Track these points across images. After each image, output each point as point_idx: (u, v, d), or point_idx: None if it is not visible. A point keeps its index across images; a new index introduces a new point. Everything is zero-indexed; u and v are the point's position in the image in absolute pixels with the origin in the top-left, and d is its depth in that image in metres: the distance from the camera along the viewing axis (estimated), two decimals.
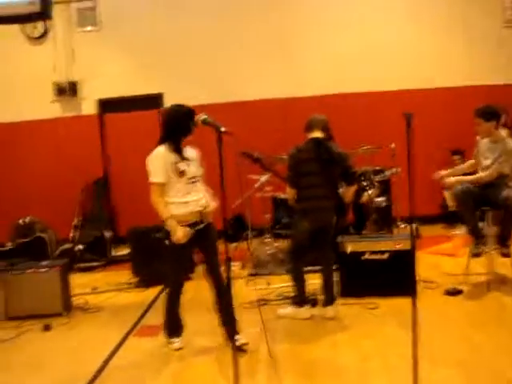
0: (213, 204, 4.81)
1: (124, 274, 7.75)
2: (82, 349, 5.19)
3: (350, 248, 6.10)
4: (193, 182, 4.71)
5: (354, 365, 4.35)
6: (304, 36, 10.04)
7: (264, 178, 7.58)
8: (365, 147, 7.97)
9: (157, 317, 5.95)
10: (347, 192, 5.70)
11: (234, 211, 8.25)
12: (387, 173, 8.25)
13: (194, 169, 4.75)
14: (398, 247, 6.00)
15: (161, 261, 7.20)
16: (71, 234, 9.40)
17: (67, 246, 8.87)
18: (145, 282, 7.30)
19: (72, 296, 6.53)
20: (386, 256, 6.03)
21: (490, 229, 6.11)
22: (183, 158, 4.70)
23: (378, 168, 8.25)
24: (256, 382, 4.14)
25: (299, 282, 5.59)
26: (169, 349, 4.92)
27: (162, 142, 4.77)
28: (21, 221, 9.11)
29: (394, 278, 5.91)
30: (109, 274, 8.27)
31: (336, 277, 5.88)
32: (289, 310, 5.63)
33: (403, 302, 5.51)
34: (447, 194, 9.30)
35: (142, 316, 6.08)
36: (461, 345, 4.61)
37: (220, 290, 4.79)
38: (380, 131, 9.42)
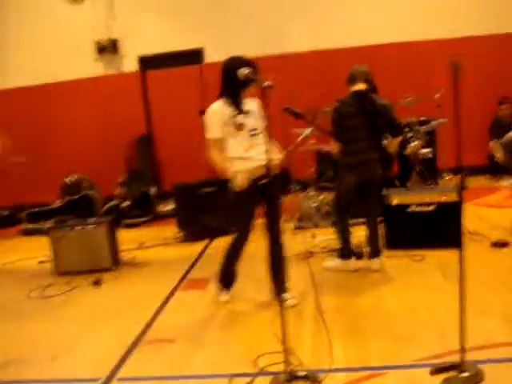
0: (277, 156, 4.61)
1: (170, 229, 7.87)
2: (132, 303, 5.30)
3: (395, 200, 6.05)
4: (253, 135, 4.52)
5: (400, 316, 4.36)
6: None
7: (307, 131, 7.52)
8: (409, 98, 7.83)
9: (203, 270, 6.09)
10: (392, 143, 5.63)
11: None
12: (433, 123, 8.11)
13: (253, 121, 4.56)
14: (443, 199, 5.93)
15: (206, 215, 7.39)
16: (117, 191, 9.53)
17: (114, 202, 9.02)
18: (190, 236, 7.41)
19: (120, 251, 6.66)
20: (431, 208, 5.97)
21: None
22: (242, 111, 4.55)
23: (423, 118, 8.11)
24: (304, 334, 4.17)
25: (345, 234, 5.59)
26: (217, 299, 5.00)
27: (220, 95, 4.65)
28: (68, 179, 9.29)
29: (440, 230, 5.85)
30: (155, 229, 8.41)
31: (381, 229, 5.86)
32: (335, 262, 5.65)
33: (449, 254, 5.51)
34: (494, 145, 9.14)
35: (189, 270, 6.18)
36: (506, 297, 4.56)
37: (275, 247, 4.75)
38: (425, 81, 9.26)
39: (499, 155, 8.81)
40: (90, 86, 10.30)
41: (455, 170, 8.69)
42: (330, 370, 3.53)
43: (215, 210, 7.45)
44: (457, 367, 3.32)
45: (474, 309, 3.82)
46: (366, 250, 5.68)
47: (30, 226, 9.01)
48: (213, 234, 7.44)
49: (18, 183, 9.59)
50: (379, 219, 5.78)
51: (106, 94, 10.30)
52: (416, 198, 6.04)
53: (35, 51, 10.32)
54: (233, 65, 4.46)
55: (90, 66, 10.24)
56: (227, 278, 4.98)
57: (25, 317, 5.19)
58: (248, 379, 3.55)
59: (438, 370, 3.39)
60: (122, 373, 3.86)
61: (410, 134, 7.59)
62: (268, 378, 3.52)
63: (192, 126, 10.08)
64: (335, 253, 5.81)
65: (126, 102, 10.24)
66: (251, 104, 4.61)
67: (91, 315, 5.07)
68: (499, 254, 5.67)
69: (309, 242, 6.49)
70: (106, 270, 6.23)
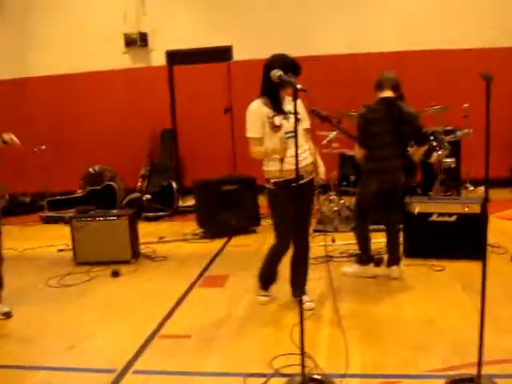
0: (322, 169, 4.70)
1: (189, 225, 7.90)
2: (150, 296, 5.33)
3: (417, 209, 6.03)
4: (289, 137, 4.35)
5: (417, 325, 4.35)
6: None
7: (332, 134, 7.53)
8: (436, 107, 7.81)
9: (222, 268, 6.12)
10: (417, 152, 5.61)
11: None
12: (458, 133, 8.08)
13: (292, 123, 4.30)
14: (466, 210, 5.90)
15: (226, 212, 7.41)
16: (139, 184, 9.59)
17: (135, 195, 9.08)
18: (210, 233, 7.42)
19: (140, 244, 6.70)
20: (453, 218, 5.94)
21: None
22: (281, 112, 4.48)
23: (448, 128, 8.08)
24: (320, 338, 4.18)
25: (364, 240, 5.58)
26: (257, 299, 4.98)
27: (260, 94, 4.57)
28: (91, 169, 9.37)
29: (461, 241, 5.83)
30: (174, 224, 8.44)
31: (401, 237, 5.84)
32: (354, 268, 5.64)
33: (469, 266, 5.52)
34: None
35: (207, 267, 6.20)
36: None
37: (301, 251, 4.73)
38: (452, 90, 9.21)
39: None
40: (117, 78, 10.36)
41: (478, 182, 8.66)
42: (344, 375, 3.54)
43: (235, 208, 7.48)
44: (472, 381, 3.31)
45: (492, 323, 3.80)
46: (386, 257, 5.68)
47: (50, 213, 9.09)
48: (232, 231, 7.47)
49: (41, 171, 9.66)
50: (400, 227, 5.76)
51: (132, 87, 10.36)
52: (438, 208, 6.01)
53: (64, 40, 10.41)
54: (271, 64, 4.38)
55: (118, 59, 10.30)
56: (266, 280, 4.96)
57: (43, 304, 5.23)
58: (263, 380, 3.57)
59: (453, 382, 3.37)
60: (137, 365, 3.89)
61: (434, 143, 7.56)
62: (283, 380, 3.54)
63: (216, 124, 10.14)
64: (354, 258, 5.80)
65: (152, 96, 10.28)
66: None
67: (109, 306, 5.11)
68: None
69: (328, 245, 6.49)
70: (125, 262, 6.27)
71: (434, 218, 6.01)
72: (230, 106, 10.10)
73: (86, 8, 10.35)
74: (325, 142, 7.54)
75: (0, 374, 3.89)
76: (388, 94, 5.34)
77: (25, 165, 10.09)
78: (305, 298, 4.70)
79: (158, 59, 10.41)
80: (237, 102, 9.93)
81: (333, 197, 7.84)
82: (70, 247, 6.52)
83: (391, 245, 5.58)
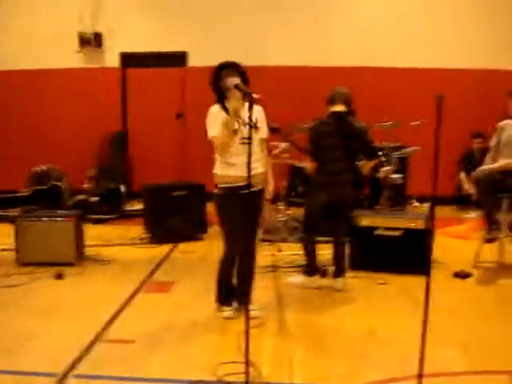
0: (271, 183, 4.76)
1: (136, 229, 7.83)
2: (93, 299, 5.27)
3: (363, 222, 6.13)
4: (243, 143, 4.30)
5: (360, 337, 4.41)
6: (334, 7, 9.96)
7: (283, 145, 7.58)
8: (387, 123, 7.95)
9: (167, 274, 6.09)
10: (366, 166, 5.71)
11: None
12: (406, 150, 8.24)
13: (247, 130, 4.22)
14: (411, 225, 6.02)
15: (173, 218, 7.38)
16: (86, 185, 9.46)
17: (82, 196, 8.94)
18: (157, 238, 7.37)
19: (85, 247, 6.61)
20: (398, 233, 6.06)
21: (504, 216, 6.11)
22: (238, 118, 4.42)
23: (397, 144, 8.23)
24: (265, 347, 4.20)
25: (311, 251, 5.63)
26: (221, 316, 4.83)
27: (216, 101, 4.58)
28: (38, 168, 9.18)
29: (405, 255, 5.96)
30: (121, 227, 8.36)
31: (347, 249, 5.92)
32: (299, 278, 5.69)
33: (412, 280, 5.64)
34: (463, 177, 9.31)
35: (153, 272, 6.16)
36: (465, 328, 4.65)
37: (248, 259, 4.74)
38: (403, 108, 9.40)
39: (467, 187, 8.99)
40: (70, 78, 10.19)
41: (423, 198, 8.85)
42: None
43: (183, 214, 7.45)
44: None
45: (434, 336, 3.88)
46: (331, 268, 5.74)
47: None
48: (179, 238, 7.43)
49: None
50: (346, 239, 5.84)
51: (84, 87, 10.21)
52: (384, 222, 6.14)
53: (16, 36, 10.19)
54: (217, 72, 4.49)
55: (71, 58, 10.13)
56: (224, 295, 4.88)
57: None
58: None
59: None
60: (78, 370, 3.82)
61: (383, 158, 7.69)
62: None
63: (168, 129, 10.12)
64: (300, 269, 5.85)
65: (104, 97, 10.16)
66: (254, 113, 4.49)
67: (51, 309, 5.01)
68: (461, 284, 5.79)
69: (274, 255, 6.53)
70: (70, 264, 6.17)
71: (380, 231, 6.12)
72: (183, 112, 10.09)
73: (41, 4, 10.18)
74: (275, 152, 7.58)
75: None
76: (339, 108, 5.43)
77: None
78: (250, 306, 4.71)
79: (112, 61, 10.30)
80: (189, 108, 9.93)
81: (281, 207, 7.88)
82: (14, 247, 6.37)
83: (337, 257, 5.65)
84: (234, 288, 4.91)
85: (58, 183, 8.96)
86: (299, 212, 7.84)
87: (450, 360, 4.00)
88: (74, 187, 9.34)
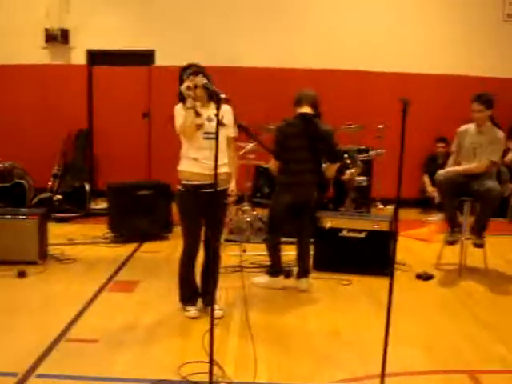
0: (233, 185, 4.76)
1: (100, 228, 7.75)
2: (56, 299, 5.21)
3: (328, 224, 6.18)
4: (207, 138, 4.45)
5: (324, 336, 4.46)
6: (302, 9, 9.99)
7: (249, 145, 7.60)
8: (352, 125, 8.03)
9: (131, 273, 6.06)
10: (330, 169, 5.76)
11: None
12: (371, 153, 8.33)
13: (213, 126, 4.11)
14: (375, 227, 6.10)
15: (138, 217, 7.34)
16: (50, 183, 9.36)
17: (46, 194, 8.84)
18: (121, 237, 7.32)
19: (48, 245, 6.54)
20: (363, 235, 6.13)
21: (466, 218, 6.22)
22: (198, 114, 4.44)
23: (362, 147, 8.33)
24: (229, 347, 4.21)
25: (275, 252, 5.66)
26: (185, 315, 4.81)
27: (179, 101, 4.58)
28: (0, 165, 9.03)
29: (369, 257, 6.04)
30: (85, 226, 8.27)
31: (311, 250, 5.96)
32: (263, 278, 5.71)
33: (375, 281, 5.73)
34: (427, 180, 9.46)
35: (117, 271, 6.12)
36: (427, 328, 4.75)
37: (212, 259, 4.69)
38: (368, 111, 9.51)
39: (430, 190, 9.13)
40: (35, 74, 10.01)
41: (387, 201, 8.95)
42: None
43: (148, 214, 7.42)
44: None
45: (397, 336, 3.93)
46: (295, 269, 5.78)
47: None
48: (143, 237, 7.39)
49: None
50: (311, 240, 5.88)
51: (49, 84, 10.06)
52: (349, 224, 6.20)
53: None
54: (181, 75, 4.53)
55: (36, 53, 9.99)
56: (187, 295, 4.87)
57: None
58: None
59: None
60: (41, 369, 3.77)
61: (348, 161, 7.75)
62: None
63: (134, 127, 10.06)
64: (264, 269, 5.87)
65: (69, 95, 10.04)
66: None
67: (13, 308, 4.94)
68: (423, 286, 5.89)
69: (239, 255, 6.54)
70: (33, 262, 6.08)
71: (345, 233, 6.18)
72: (149, 111, 10.05)
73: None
74: (241, 152, 7.60)
75: None
76: (306, 109, 5.47)
77: None
78: (214, 306, 4.71)
79: (79, 58, 10.18)
80: (156, 107, 9.89)
81: (246, 208, 7.90)
82: None
83: (301, 257, 5.69)
84: (197, 287, 4.91)
85: (21, 181, 8.82)
86: (264, 212, 7.88)
87: (412, 359, 4.07)
88: (38, 185, 9.22)
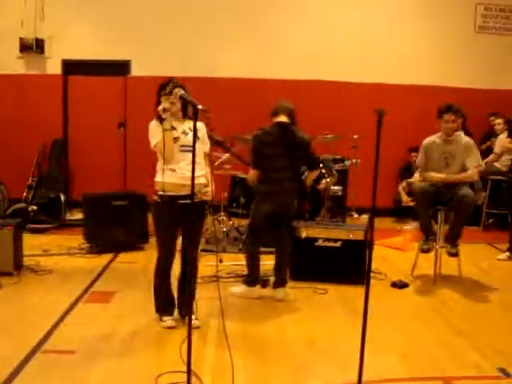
0: (208, 188, 4.74)
1: (76, 239, 7.69)
2: (32, 310, 5.16)
3: (304, 233, 6.22)
4: (183, 151, 4.51)
5: (301, 346, 4.48)
6: (278, 21, 10.07)
7: (225, 156, 7.62)
8: (327, 135, 8.09)
9: (107, 284, 6.03)
10: (309, 176, 5.81)
11: None
12: (346, 163, 8.41)
13: (189, 140, 4.40)
14: (351, 237, 6.15)
15: (114, 228, 7.31)
16: (24, 194, 9.30)
17: (20, 205, 8.77)
18: (97, 248, 7.28)
19: (23, 256, 6.47)
20: (338, 244, 6.18)
21: (440, 227, 6.29)
22: (174, 128, 4.50)
23: (337, 157, 8.40)
24: (206, 357, 4.21)
25: (253, 261, 5.67)
26: (162, 325, 4.78)
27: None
28: None
29: (345, 266, 6.08)
30: (60, 237, 8.20)
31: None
32: (241, 288, 5.72)
33: (351, 290, 5.76)
34: (401, 190, 9.55)
35: (93, 282, 6.08)
36: (402, 336, 4.79)
37: (189, 269, 4.65)
38: (344, 121, 9.60)
39: (405, 199, 9.23)
40: (10, 83, 9.96)
41: (362, 210, 9.03)
42: None
43: (124, 224, 7.39)
44: None
45: (373, 344, 3.97)
46: (272, 278, 5.79)
47: None
48: (119, 248, 7.36)
49: None
50: (289, 250, 5.90)
51: (25, 94, 10.00)
52: (325, 233, 6.24)
53: None
54: (158, 92, 4.56)
55: (11, 63, 9.94)
56: (162, 304, 4.85)
57: None
58: None
59: None
60: (16, 381, 3.73)
61: (323, 170, 7.81)
62: None
63: (109, 138, 10.03)
64: (241, 279, 5.89)
65: (44, 105, 9.99)
66: (190, 125, 4.45)
67: None
68: (398, 294, 5.95)
69: (215, 265, 6.53)
70: (7, 274, 6.02)
71: (320, 242, 6.22)
72: (125, 121, 10.03)
73: None
74: (217, 163, 7.62)
75: None
76: (283, 119, 5.52)
77: None
78: (192, 316, 4.71)
79: (54, 67, 10.14)
80: (131, 118, 9.88)
81: (222, 218, 7.92)
82: None
83: (279, 267, 5.71)
84: (173, 297, 4.90)
85: None
86: (240, 222, 7.91)
87: (388, 367, 4.11)
88: (12, 196, 9.17)
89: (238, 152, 7.32)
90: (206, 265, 6.23)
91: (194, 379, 3.59)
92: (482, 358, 4.27)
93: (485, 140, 9.80)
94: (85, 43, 9.98)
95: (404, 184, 9.42)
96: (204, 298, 5.21)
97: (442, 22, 10.14)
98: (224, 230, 7.72)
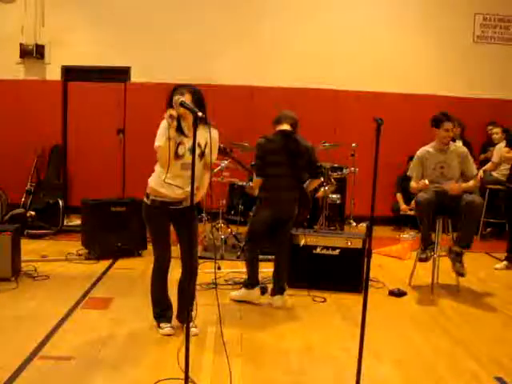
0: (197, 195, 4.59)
1: (74, 245, 7.71)
2: (30, 316, 5.14)
3: (303, 241, 6.22)
4: (184, 169, 4.43)
5: (298, 353, 4.47)
6: (277, 28, 10.12)
7: (223, 163, 7.63)
8: (326, 143, 8.11)
9: (105, 290, 6.02)
10: (310, 185, 5.83)
11: None
12: (345, 171, 8.42)
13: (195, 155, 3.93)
14: (349, 245, 6.16)
15: (112, 234, 7.32)
16: (23, 199, 9.30)
17: (19, 210, 8.76)
18: (95, 254, 7.28)
19: (21, 262, 6.47)
20: (336, 252, 6.18)
21: (438, 236, 6.29)
22: (181, 144, 4.43)
23: (336, 165, 8.41)
24: (204, 364, 4.21)
25: (253, 267, 5.70)
26: (160, 332, 4.77)
27: None
28: None
29: (343, 274, 6.09)
30: (58, 243, 8.21)
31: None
32: (239, 292, 5.75)
33: (349, 298, 5.77)
34: (399, 198, 9.57)
35: (91, 288, 6.08)
36: (400, 344, 4.79)
37: (187, 277, 4.61)
38: (342, 130, 9.63)
39: (403, 208, 9.24)
40: (10, 89, 9.99)
41: (360, 218, 9.04)
42: None
43: (122, 230, 7.40)
44: None
45: (370, 353, 3.98)
46: (270, 286, 5.80)
47: None
48: (117, 254, 7.37)
49: None
50: (287, 257, 5.90)
51: (24, 99, 10.02)
52: (323, 241, 6.24)
53: None
54: (170, 96, 4.42)
55: (11, 68, 9.97)
56: (160, 311, 4.84)
57: None
58: None
59: None
60: None
61: (322, 178, 7.82)
62: None
63: (108, 144, 10.03)
64: (239, 286, 5.90)
65: (44, 110, 10.01)
66: (204, 135, 4.28)
67: None
68: (396, 302, 5.94)
69: (214, 272, 6.53)
70: (5, 279, 6.02)
71: (319, 250, 6.22)
72: (124, 127, 10.04)
73: None
74: (216, 170, 7.63)
75: None
76: (285, 127, 5.54)
77: None
78: (190, 323, 4.71)
79: (54, 73, 10.16)
80: (130, 124, 9.90)
81: (220, 225, 7.93)
82: None
83: (277, 274, 5.71)
84: (171, 303, 4.90)
85: None
86: (239, 230, 7.93)
87: (385, 375, 4.11)
88: (11, 201, 9.16)
89: (239, 160, 7.33)
90: (203, 272, 6.24)
91: None
92: (479, 367, 4.27)
93: (484, 150, 9.83)
94: (84, 49, 10.00)
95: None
96: (202, 305, 5.20)
97: (441, 32, 10.19)
98: (222, 237, 7.73)
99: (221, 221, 7.93)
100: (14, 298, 5.67)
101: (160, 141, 4.39)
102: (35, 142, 9.93)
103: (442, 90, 10.02)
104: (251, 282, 5.70)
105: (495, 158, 8.72)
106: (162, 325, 4.81)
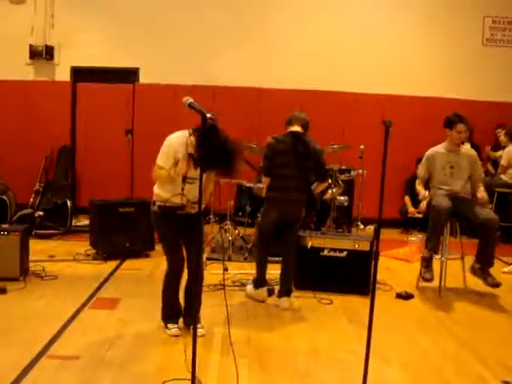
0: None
1: (82, 245, 7.74)
2: (38, 316, 5.16)
3: (310, 243, 6.22)
4: (191, 183, 4.47)
5: (305, 355, 4.47)
6: (285, 30, 10.11)
7: None
8: (334, 145, 8.10)
9: (113, 290, 6.04)
10: (317, 187, 5.83)
11: None
12: (353, 173, 8.42)
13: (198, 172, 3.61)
14: (356, 247, 6.15)
15: (120, 234, 7.34)
16: (31, 200, 9.33)
17: (27, 211, 8.80)
18: (103, 254, 7.30)
19: (29, 262, 6.50)
20: (344, 254, 6.18)
21: (446, 239, 6.27)
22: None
23: (343, 167, 8.41)
24: (211, 364, 4.22)
25: (262, 264, 5.76)
26: (167, 333, 4.78)
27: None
28: None
29: (350, 276, 6.09)
30: (67, 243, 8.24)
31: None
32: (249, 287, 5.84)
33: (356, 300, 5.76)
34: (407, 201, 9.55)
35: (99, 288, 6.10)
36: (407, 347, 4.78)
37: (194, 279, 4.66)
38: (350, 132, 9.61)
39: (411, 210, 9.21)
40: (19, 90, 10.02)
41: (368, 221, 9.02)
42: None
43: (130, 231, 7.42)
44: None
45: (377, 355, 3.97)
46: (277, 288, 5.81)
47: None
48: (125, 254, 7.38)
49: None
50: (295, 259, 5.91)
51: (33, 100, 10.05)
52: (330, 243, 6.24)
53: None
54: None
55: (21, 69, 10.00)
56: (169, 310, 4.85)
57: None
58: None
59: None
60: None
61: (329, 181, 7.82)
62: None
63: (116, 145, 10.02)
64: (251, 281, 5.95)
65: (53, 111, 10.03)
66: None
67: None
68: (403, 305, 5.93)
69: (221, 274, 6.55)
70: (14, 279, 6.04)
71: (326, 252, 6.22)
72: (132, 128, 10.05)
73: None
74: None
75: None
76: (296, 128, 5.55)
77: None
78: (197, 324, 4.72)
79: (63, 74, 10.19)
80: (139, 125, 9.91)
81: (228, 226, 7.93)
82: None
83: (285, 276, 5.72)
84: (180, 305, 4.91)
85: (3, 196, 8.81)
86: (246, 231, 7.93)
87: (392, 378, 4.11)
88: (19, 201, 9.20)
89: (249, 161, 7.34)
90: (211, 273, 6.26)
91: None
92: (486, 370, 4.26)
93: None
94: (94, 51, 10.02)
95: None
96: (209, 306, 5.22)
97: (450, 35, 10.18)
98: (230, 238, 7.73)
99: (228, 222, 7.94)
100: (22, 297, 5.69)
101: (165, 164, 4.42)
102: (44, 142, 9.97)
103: (450, 92, 10.00)
104: (259, 281, 5.74)
105: (504, 161, 8.69)
106: (169, 325, 4.82)
